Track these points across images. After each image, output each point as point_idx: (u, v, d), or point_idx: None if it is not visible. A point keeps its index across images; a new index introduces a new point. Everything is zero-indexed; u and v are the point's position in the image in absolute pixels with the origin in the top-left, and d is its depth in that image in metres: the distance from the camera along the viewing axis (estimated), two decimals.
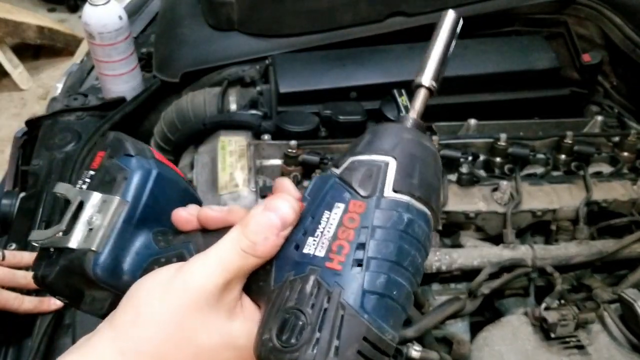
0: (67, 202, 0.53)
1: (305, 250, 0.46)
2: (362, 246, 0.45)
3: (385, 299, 0.44)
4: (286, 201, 0.48)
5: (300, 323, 0.43)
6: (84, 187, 0.54)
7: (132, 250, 0.52)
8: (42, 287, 0.55)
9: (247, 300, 0.51)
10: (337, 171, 0.49)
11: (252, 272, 0.49)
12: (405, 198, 0.46)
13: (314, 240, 0.46)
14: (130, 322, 0.47)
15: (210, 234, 0.52)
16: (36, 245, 0.53)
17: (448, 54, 0.54)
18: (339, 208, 0.46)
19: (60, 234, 0.51)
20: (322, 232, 0.46)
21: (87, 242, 0.51)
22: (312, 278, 0.45)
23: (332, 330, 0.43)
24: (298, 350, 0.43)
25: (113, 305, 0.51)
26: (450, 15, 0.55)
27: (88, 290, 0.53)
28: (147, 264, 0.52)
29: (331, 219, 0.46)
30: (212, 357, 0.49)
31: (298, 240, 0.47)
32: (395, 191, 0.46)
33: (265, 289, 0.48)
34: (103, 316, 0.51)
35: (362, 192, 0.46)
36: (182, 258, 0.51)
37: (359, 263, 0.44)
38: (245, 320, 0.49)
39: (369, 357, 0.43)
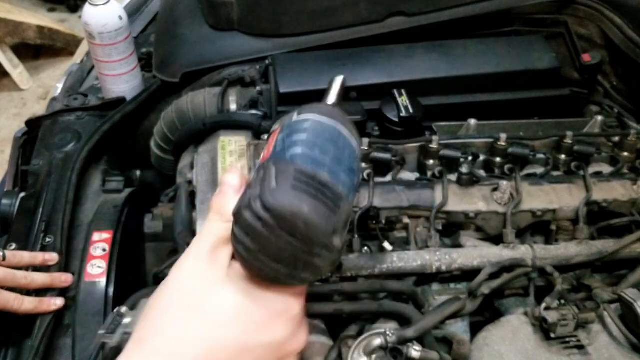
0: None
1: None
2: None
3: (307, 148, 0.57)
4: (233, 174, 0.64)
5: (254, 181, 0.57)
6: None
7: None
8: None
9: (238, 265, 0.59)
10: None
11: None
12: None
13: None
14: (148, 334, 0.55)
15: None
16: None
17: None
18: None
19: None
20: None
21: None
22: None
23: (269, 175, 0.55)
24: (251, 191, 0.56)
25: None
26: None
27: None
28: None
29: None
30: (224, 317, 0.56)
31: None
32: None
33: None
34: None
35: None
36: None
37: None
38: (238, 276, 0.58)
39: (304, 185, 0.54)
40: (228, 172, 0.64)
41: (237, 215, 0.56)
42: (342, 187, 0.57)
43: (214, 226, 0.60)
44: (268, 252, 0.54)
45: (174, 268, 0.59)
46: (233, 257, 0.59)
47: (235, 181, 0.62)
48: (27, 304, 0.92)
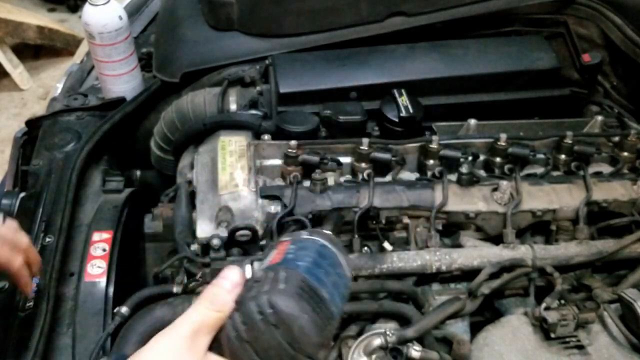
0: None
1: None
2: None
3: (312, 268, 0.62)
4: (234, 269, 0.63)
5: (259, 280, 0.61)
6: None
7: None
8: None
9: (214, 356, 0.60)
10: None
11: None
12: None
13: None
14: None
15: None
16: None
17: None
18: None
19: None
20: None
21: None
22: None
23: (279, 277, 0.60)
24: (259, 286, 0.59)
25: None
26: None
27: None
28: None
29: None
30: None
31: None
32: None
33: None
34: None
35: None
36: None
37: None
38: None
39: (307, 295, 0.58)
40: (230, 267, 0.64)
41: (241, 303, 0.59)
42: (334, 307, 0.62)
43: (201, 312, 0.60)
44: (257, 346, 0.57)
45: (152, 341, 0.59)
46: (210, 348, 0.61)
47: (235, 277, 0.63)
48: (19, 263, 0.88)
